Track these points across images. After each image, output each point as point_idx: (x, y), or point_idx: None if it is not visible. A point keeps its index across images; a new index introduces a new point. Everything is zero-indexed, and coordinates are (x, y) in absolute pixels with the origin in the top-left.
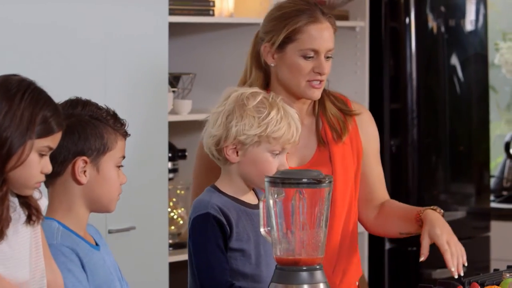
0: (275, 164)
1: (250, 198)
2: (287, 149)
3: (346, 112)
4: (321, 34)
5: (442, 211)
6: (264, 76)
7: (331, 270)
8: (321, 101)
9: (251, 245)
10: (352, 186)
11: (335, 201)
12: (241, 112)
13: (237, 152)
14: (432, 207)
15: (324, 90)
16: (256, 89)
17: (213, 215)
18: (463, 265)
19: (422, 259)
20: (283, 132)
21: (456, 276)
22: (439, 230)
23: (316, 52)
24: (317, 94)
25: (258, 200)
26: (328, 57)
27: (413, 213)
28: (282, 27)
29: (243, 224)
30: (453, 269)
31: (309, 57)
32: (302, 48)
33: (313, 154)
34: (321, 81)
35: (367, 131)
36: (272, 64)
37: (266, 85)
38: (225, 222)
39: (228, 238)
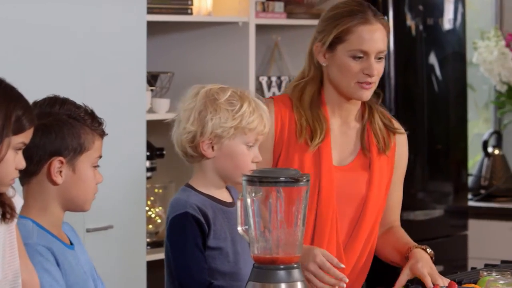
0: (250, 156)
1: (224, 195)
2: (259, 141)
3: (391, 129)
4: (371, 35)
5: (432, 252)
6: (320, 75)
7: (349, 270)
8: (371, 111)
9: (228, 243)
10: (383, 198)
11: (366, 208)
12: (214, 106)
13: (212, 147)
14: (422, 246)
15: (374, 104)
16: (222, 85)
17: (192, 214)
18: None
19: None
20: (257, 123)
21: None
22: (421, 264)
23: (366, 53)
24: (366, 94)
25: (232, 198)
26: (380, 58)
27: (405, 249)
28: (333, 27)
29: (220, 222)
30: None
31: (359, 58)
32: (351, 48)
33: (354, 158)
34: (371, 82)
35: (401, 152)
36: (324, 64)
37: (321, 84)
38: (203, 221)
39: (206, 237)
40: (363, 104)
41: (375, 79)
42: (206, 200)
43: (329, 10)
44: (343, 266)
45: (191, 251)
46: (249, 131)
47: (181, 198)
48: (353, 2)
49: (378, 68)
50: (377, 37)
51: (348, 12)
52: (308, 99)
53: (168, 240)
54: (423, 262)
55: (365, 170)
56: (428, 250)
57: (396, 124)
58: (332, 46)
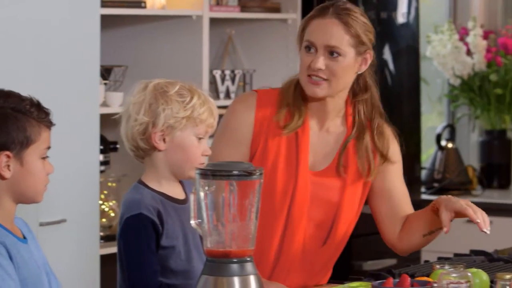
0: (200, 149)
1: (177, 192)
2: (209, 134)
3: (383, 155)
4: (320, 28)
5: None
6: None
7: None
8: (361, 129)
9: (180, 241)
10: (357, 207)
11: (340, 215)
12: (165, 98)
13: (164, 139)
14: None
15: (369, 120)
16: (170, 80)
17: (146, 215)
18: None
19: (445, 231)
20: (207, 115)
21: (486, 231)
22: (455, 199)
23: (313, 44)
24: (313, 91)
25: (186, 194)
26: (333, 55)
27: (429, 207)
28: (302, 24)
29: (173, 220)
30: (478, 221)
31: (310, 52)
32: (304, 40)
33: (328, 164)
34: (320, 78)
35: (393, 152)
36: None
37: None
38: (157, 222)
39: (160, 237)
40: (353, 117)
41: (325, 75)
42: (159, 198)
43: None
44: None
45: (144, 254)
46: (200, 123)
47: (135, 197)
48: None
49: (330, 65)
50: (326, 31)
51: (317, 7)
52: (291, 93)
53: (122, 240)
54: (453, 199)
55: (338, 177)
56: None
57: (392, 151)
58: (300, 42)
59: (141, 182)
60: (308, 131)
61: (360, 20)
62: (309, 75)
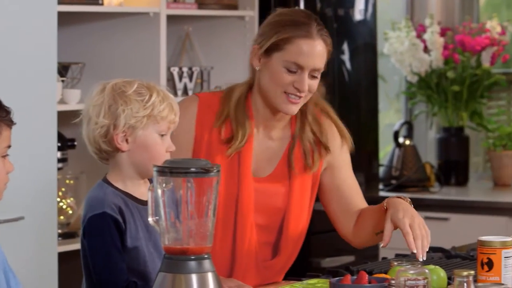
0: (164, 146)
1: (143, 192)
2: (171, 129)
3: (322, 144)
4: (309, 50)
5: (408, 199)
6: (253, 78)
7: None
8: (302, 126)
9: (143, 242)
10: (307, 210)
11: (289, 220)
12: (124, 98)
13: (127, 140)
14: (397, 195)
15: (305, 111)
16: (128, 79)
17: (110, 214)
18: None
19: (382, 245)
20: (168, 111)
21: (420, 259)
22: (401, 214)
23: (300, 67)
24: (292, 109)
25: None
26: (314, 76)
27: (380, 205)
28: (274, 33)
29: (135, 221)
30: (415, 251)
31: (292, 72)
32: (287, 59)
33: (273, 170)
34: (299, 97)
35: (333, 145)
36: (257, 68)
37: (250, 88)
38: (121, 220)
39: (123, 235)
40: (295, 116)
41: (305, 95)
42: (122, 198)
43: (275, 15)
44: None
45: (111, 253)
46: (161, 120)
47: (98, 196)
48: (301, 13)
49: (311, 85)
50: (315, 54)
51: (293, 21)
52: (235, 99)
53: (86, 239)
54: (402, 210)
55: (283, 182)
56: (403, 197)
57: (324, 120)
58: (268, 52)
59: (105, 180)
60: (252, 144)
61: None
62: (288, 93)
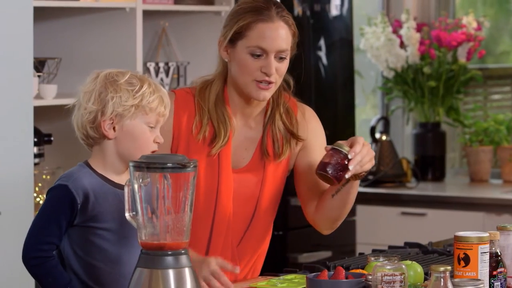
0: (152, 137)
1: (122, 179)
2: (160, 123)
3: (292, 134)
4: (270, 33)
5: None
6: (225, 72)
7: (243, 266)
8: (272, 112)
9: (116, 225)
10: (277, 197)
11: (260, 208)
12: (115, 87)
13: (114, 128)
14: None
15: (276, 100)
16: (122, 70)
17: (70, 190)
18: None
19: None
20: (158, 103)
21: (349, 169)
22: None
23: (264, 51)
24: (263, 95)
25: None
26: (281, 58)
27: None
28: (234, 22)
29: (110, 204)
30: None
31: (257, 56)
32: (250, 45)
33: (250, 160)
34: (269, 82)
35: (308, 127)
36: (226, 59)
37: (225, 82)
38: (78, 202)
39: (74, 218)
40: (268, 105)
41: (275, 79)
42: (98, 181)
43: (236, 5)
44: (238, 271)
45: (50, 222)
46: (150, 111)
47: (71, 172)
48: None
49: (279, 68)
50: (277, 36)
51: (252, 8)
52: (213, 97)
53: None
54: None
55: (259, 170)
56: None
57: (301, 107)
58: (233, 42)
59: (86, 163)
60: (231, 135)
61: (292, 19)
62: (258, 80)
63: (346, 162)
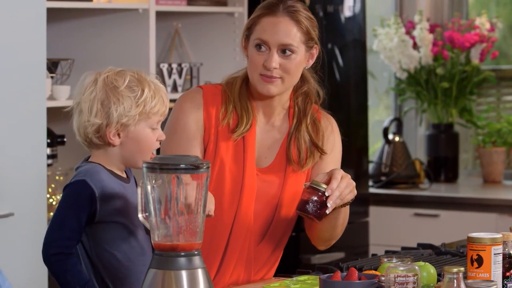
0: (154, 137)
1: (124, 175)
2: (162, 121)
3: (317, 146)
4: (272, 27)
5: None
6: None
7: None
8: (298, 121)
9: (126, 218)
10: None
11: (281, 210)
12: (116, 95)
13: (119, 135)
14: None
15: (303, 109)
16: (116, 68)
17: (89, 184)
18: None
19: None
20: (159, 106)
21: (328, 205)
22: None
23: (266, 43)
24: (267, 88)
25: (127, 175)
26: (286, 53)
27: None
28: (248, 20)
29: (123, 197)
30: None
31: (261, 50)
32: (254, 38)
33: (273, 160)
34: (272, 76)
35: (328, 141)
36: (245, 56)
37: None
38: (97, 195)
39: (95, 214)
40: (293, 110)
41: (278, 74)
42: (111, 178)
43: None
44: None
45: (68, 217)
46: (153, 115)
47: (87, 168)
48: None
49: (284, 64)
50: (279, 29)
51: (264, 4)
52: (237, 90)
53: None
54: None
55: (280, 173)
56: None
57: (323, 118)
58: (247, 38)
59: (94, 162)
60: (255, 130)
61: (308, 16)
62: (261, 74)
63: (325, 199)
